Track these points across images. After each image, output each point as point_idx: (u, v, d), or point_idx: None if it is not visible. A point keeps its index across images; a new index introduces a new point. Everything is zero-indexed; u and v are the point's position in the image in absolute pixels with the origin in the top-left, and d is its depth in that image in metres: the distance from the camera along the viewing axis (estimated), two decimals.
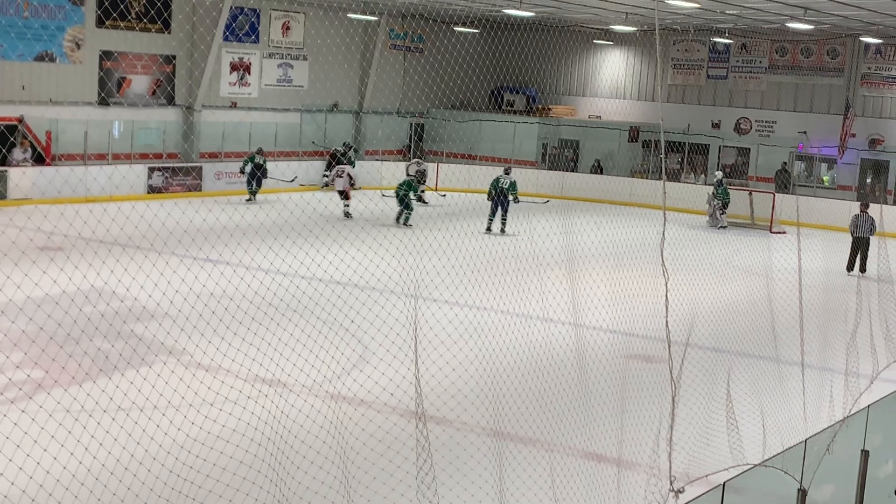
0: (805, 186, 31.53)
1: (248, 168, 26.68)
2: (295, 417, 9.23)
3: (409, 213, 24.19)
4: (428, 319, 12.90)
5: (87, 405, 9.12)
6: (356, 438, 9.20)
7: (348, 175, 25.34)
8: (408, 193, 24.25)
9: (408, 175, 25.43)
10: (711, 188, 28.25)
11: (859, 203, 23.40)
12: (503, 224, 24.11)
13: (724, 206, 27.60)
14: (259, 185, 26.65)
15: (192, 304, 11.17)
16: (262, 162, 26.83)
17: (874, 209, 22.16)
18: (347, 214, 24.80)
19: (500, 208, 24.18)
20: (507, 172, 25.01)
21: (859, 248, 21.59)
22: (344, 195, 25.09)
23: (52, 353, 10.17)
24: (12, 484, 7.11)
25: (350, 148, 30.51)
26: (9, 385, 10.35)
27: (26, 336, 10.40)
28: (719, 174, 28.93)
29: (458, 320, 13.32)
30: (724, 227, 27.28)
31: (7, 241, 14.29)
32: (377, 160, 32.34)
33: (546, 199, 28.04)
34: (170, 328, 11.77)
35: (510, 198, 24.19)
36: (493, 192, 24.30)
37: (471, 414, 10.42)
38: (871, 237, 21.52)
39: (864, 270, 21.26)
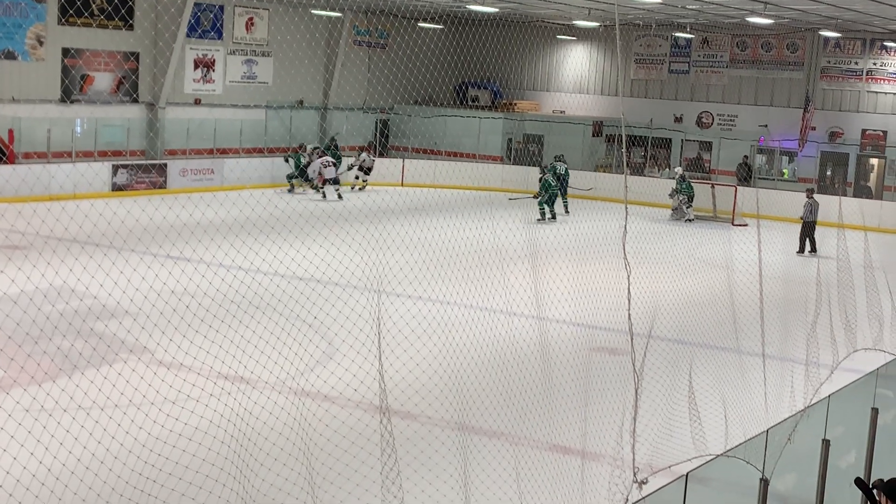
0: (766, 179, 31.79)
1: (291, 162, 28.72)
2: (258, 414, 9.19)
3: (548, 209, 25.71)
4: (391, 315, 12.88)
5: (47, 405, 9.02)
6: (320, 435, 9.17)
7: (333, 164, 28.10)
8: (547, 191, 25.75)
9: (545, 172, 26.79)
10: (674, 183, 28.40)
11: (806, 191, 24.74)
12: (565, 205, 27.10)
13: (690, 199, 27.86)
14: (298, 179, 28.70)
15: (154, 301, 11.09)
16: (298, 161, 28.71)
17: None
18: (340, 196, 27.22)
19: (560, 192, 26.71)
20: (559, 160, 28.37)
21: (810, 231, 23.19)
22: (335, 181, 27.76)
23: (11, 353, 10.05)
24: None
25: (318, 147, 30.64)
26: None
27: None
28: (679, 169, 29.10)
29: (422, 315, 13.32)
30: (691, 220, 27.50)
31: None
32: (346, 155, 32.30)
33: (590, 188, 29.26)
34: (131, 326, 11.66)
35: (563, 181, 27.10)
36: (553, 178, 26.47)
37: (435, 409, 10.42)
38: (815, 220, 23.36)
39: (815, 250, 22.71)
